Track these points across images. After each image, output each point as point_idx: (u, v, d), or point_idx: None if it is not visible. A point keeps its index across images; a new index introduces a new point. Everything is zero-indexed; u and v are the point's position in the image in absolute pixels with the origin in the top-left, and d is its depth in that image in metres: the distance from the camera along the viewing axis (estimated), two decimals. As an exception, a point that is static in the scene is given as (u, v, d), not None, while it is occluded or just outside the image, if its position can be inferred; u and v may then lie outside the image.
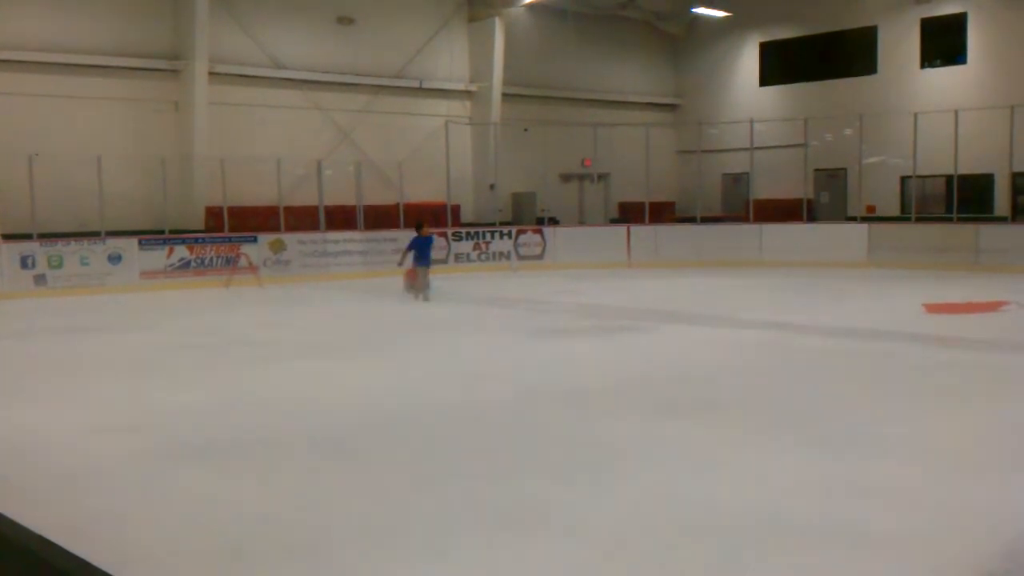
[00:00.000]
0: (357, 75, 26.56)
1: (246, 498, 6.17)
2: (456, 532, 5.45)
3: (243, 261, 21.48)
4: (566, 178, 30.51)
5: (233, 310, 17.40)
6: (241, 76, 24.69)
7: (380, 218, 24.76)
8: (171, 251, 21.13)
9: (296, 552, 5.16)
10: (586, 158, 29.21)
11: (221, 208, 22.46)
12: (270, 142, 24.42)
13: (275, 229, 22.76)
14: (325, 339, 13.51)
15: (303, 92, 25.81)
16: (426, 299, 17.52)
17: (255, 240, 22.02)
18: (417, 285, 17.75)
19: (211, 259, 21.50)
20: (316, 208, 23.55)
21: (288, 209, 23.26)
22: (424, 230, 18.14)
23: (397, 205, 24.74)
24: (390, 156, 26.21)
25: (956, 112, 23.86)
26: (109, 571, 2.70)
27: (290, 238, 22.52)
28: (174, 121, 23.96)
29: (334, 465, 6.92)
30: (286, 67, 25.47)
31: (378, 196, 25.30)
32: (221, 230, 22.29)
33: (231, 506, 6.00)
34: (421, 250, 17.97)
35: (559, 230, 26.17)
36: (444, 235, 24.35)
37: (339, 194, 24.26)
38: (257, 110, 24.97)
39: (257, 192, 23.60)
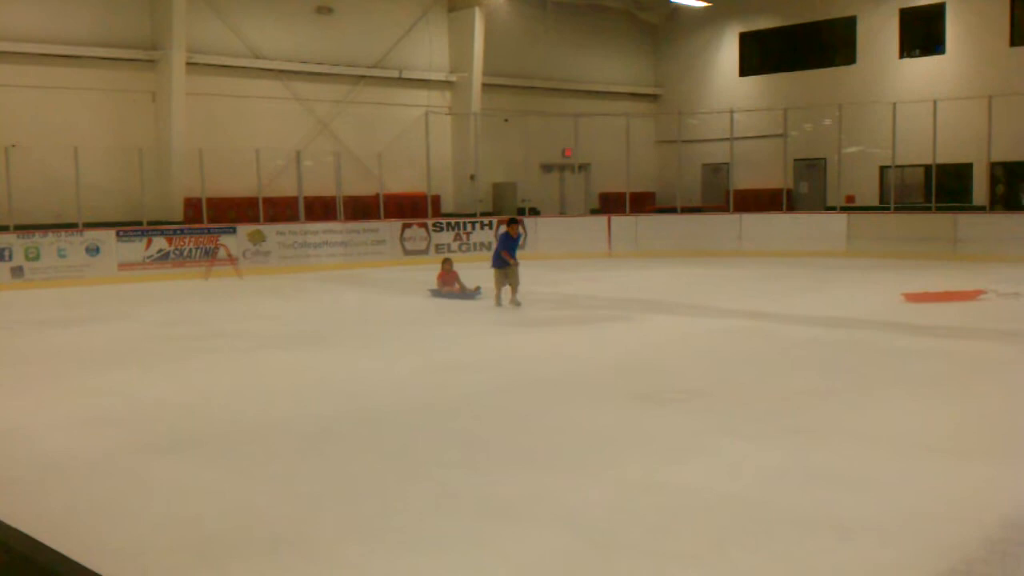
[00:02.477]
0: (336, 65, 26.43)
1: (226, 490, 6.15)
2: (440, 523, 5.44)
3: (222, 252, 21.37)
4: (547, 168, 30.48)
5: (212, 302, 17.31)
6: (219, 66, 24.52)
7: (360, 209, 24.71)
8: (149, 243, 21.00)
9: (278, 544, 5.15)
10: (567, 148, 29.21)
11: (200, 199, 22.34)
12: (249, 133, 24.28)
13: (254, 220, 22.66)
14: (305, 331, 13.47)
15: (282, 82, 25.67)
16: (516, 303, 15.15)
17: (234, 231, 21.91)
18: (508, 283, 15.25)
19: (190, 250, 21.38)
20: (295, 199, 23.46)
21: (267, 200, 23.16)
22: (515, 229, 15.45)
23: (377, 196, 24.67)
24: (370, 146, 26.13)
25: (935, 102, 23.98)
26: (87, 565, 2.68)
27: (269, 229, 22.42)
28: (152, 112, 23.77)
29: (316, 457, 6.90)
30: (265, 57, 25.32)
31: (358, 187, 25.23)
32: (200, 221, 22.17)
33: (211, 498, 5.98)
34: (510, 250, 15.30)
35: (540, 220, 26.15)
36: (424, 226, 24.32)
37: (319, 185, 24.17)
38: (235, 100, 24.81)
39: (236, 183, 23.49)
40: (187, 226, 21.98)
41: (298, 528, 5.39)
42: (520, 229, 15.64)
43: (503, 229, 15.76)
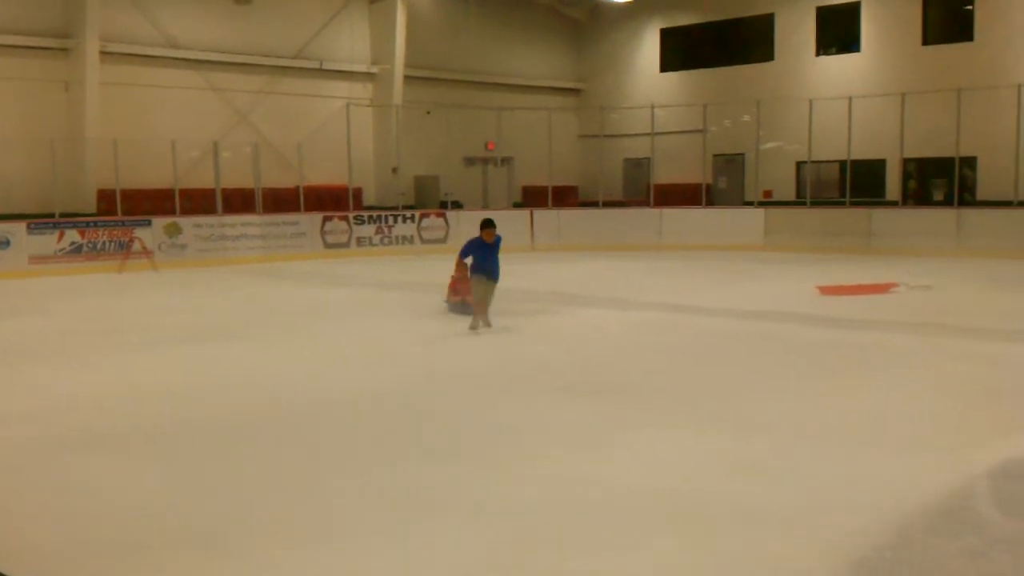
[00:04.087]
0: (255, 55, 26.04)
1: (140, 487, 6.01)
2: (362, 517, 5.39)
3: (137, 245, 20.91)
4: (469, 162, 30.43)
5: (127, 296, 16.93)
6: (134, 55, 24.00)
7: (279, 201, 24.34)
8: (62, 235, 20.45)
9: (193, 542, 5.05)
10: (489, 142, 29.18)
11: (114, 191, 21.80)
12: (164, 123, 23.78)
13: (170, 212, 22.21)
14: (223, 324, 13.24)
15: (199, 72, 25.21)
16: (487, 324, 12.00)
17: (149, 224, 21.43)
18: (479, 303, 12.00)
19: (104, 243, 20.88)
20: (213, 191, 23.04)
21: (183, 192, 22.71)
22: (489, 234, 11.93)
23: (297, 188, 24.37)
24: (289, 138, 25.77)
25: (850, 99, 24.47)
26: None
27: (186, 222, 21.98)
28: (64, 101, 23.17)
29: (234, 452, 6.79)
30: (181, 47, 24.84)
31: (277, 179, 24.86)
32: (114, 214, 21.66)
33: (125, 495, 5.84)
34: (487, 258, 12.00)
35: (463, 214, 26.09)
36: (346, 219, 24.10)
37: (237, 177, 23.75)
38: (151, 91, 24.31)
39: (151, 175, 22.99)
40: (101, 218, 21.47)
41: (214, 525, 5.29)
42: (493, 235, 11.96)
43: (475, 237, 12.16)
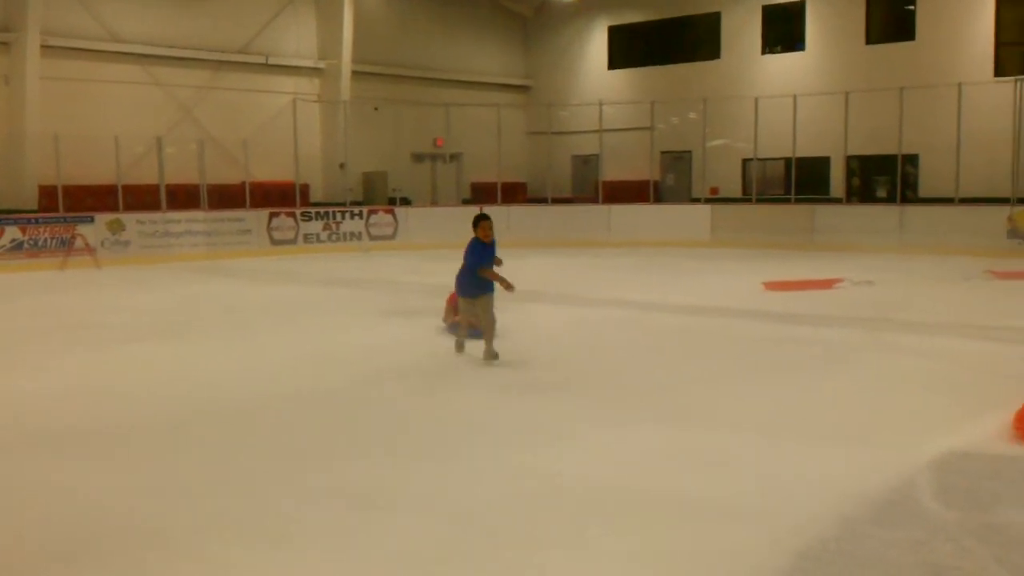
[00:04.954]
0: (200, 50, 25.71)
1: (81, 487, 5.90)
2: (305, 515, 5.34)
3: (79, 242, 20.56)
4: (418, 158, 30.34)
5: (70, 294, 16.63)
6: (76, 49, 23.59)
7: (225, 198, 24.07)
8: (2, 232, 20.03)
9: (135, 542, 4.98)
10: (438, 138, 29.10)
11: (56, 187, 21.42)
12: (107, 118, 23.42)
13: (113, 209, 21.86)
14: (167, 323, 13.06)
15: (142, 67, 24.85)
16: (494, 356, 9.54)
17: (92, 220, 21.06)
18: (489, 326, 9.64)
19: (45, 240, 20.50)
20: (157, 187, 22.72)
21: (127, 188, 22.37)
22: (486, 229, 9.84)
23: (243, 184, 24.12)
24: (235, 134, 25.48)
25: (795, 97, 24.77)
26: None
27: (129, 218, 21.65)
28: (5, 96, 22.73)
29: (177, 451, 6.71)
30: (124, 41, 24.46)
31: (223, 175, 24.57)
32: (56, 210, 21.27)
33: (65, 496, 5.75)
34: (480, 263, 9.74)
35: (411, 210, 26.02)
36: (293, 215, 23.91)
37: (181, 173, 23.43)
38: (93, 85, 23.92)
39: (94, 170, 22.64)
40: (42, 215, 21.08)
41: (156, 525, 5.22)
42: (491, 231, 9.83)
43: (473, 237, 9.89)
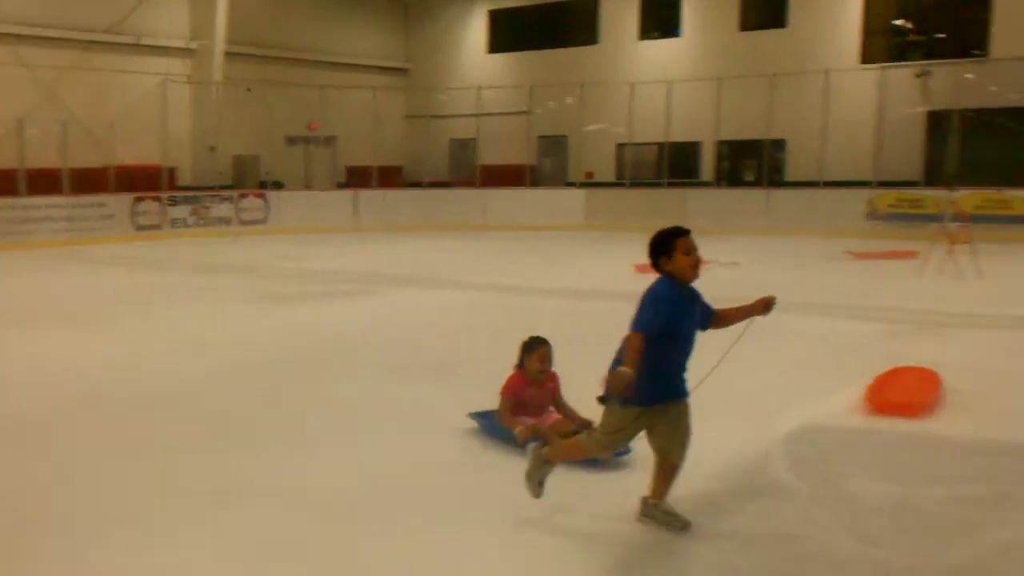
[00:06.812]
0: (66, 29, 24.66)
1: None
2: (166, 508, 5.25)
3: (-68, 228, 19.59)
4: (291, 141, 29.74)
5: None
6: (-71, 26, 22.43)
7: (88, 182, 23.12)
8: None
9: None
10: (313, 121, 28.63)
11: (-95, 170, 20.36)
12: (-38, 98, 22.34)
13: (-31, 193, 20.88)
14: (27, 311, 12.54)
15: (5, 46, 23.71)
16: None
17: (-55, 205, 20.10)
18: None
19: None
20: (15, 171, 21.76)
21: (-16, 172, 21.39)
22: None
23: (107, 168, 23.28)
24: (101, 115, 24.55)
25: (669, 83, 25.18)
26: None
27: (-14, 203, 20.72)
28: None
29: (32, 445, 6.47)
30: (-16, 18, 23.35)
31: (87, 158, 23.63)
32: (-95, 194, 20.23)
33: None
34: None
35: (283, 194, 25.58)
36: (158, 199, 23.21)
37: (43, 156, 22.47)
38: (-53, 63, 22.78)
39: (-52, 153, 21.57)
40: None
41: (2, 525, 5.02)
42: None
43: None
